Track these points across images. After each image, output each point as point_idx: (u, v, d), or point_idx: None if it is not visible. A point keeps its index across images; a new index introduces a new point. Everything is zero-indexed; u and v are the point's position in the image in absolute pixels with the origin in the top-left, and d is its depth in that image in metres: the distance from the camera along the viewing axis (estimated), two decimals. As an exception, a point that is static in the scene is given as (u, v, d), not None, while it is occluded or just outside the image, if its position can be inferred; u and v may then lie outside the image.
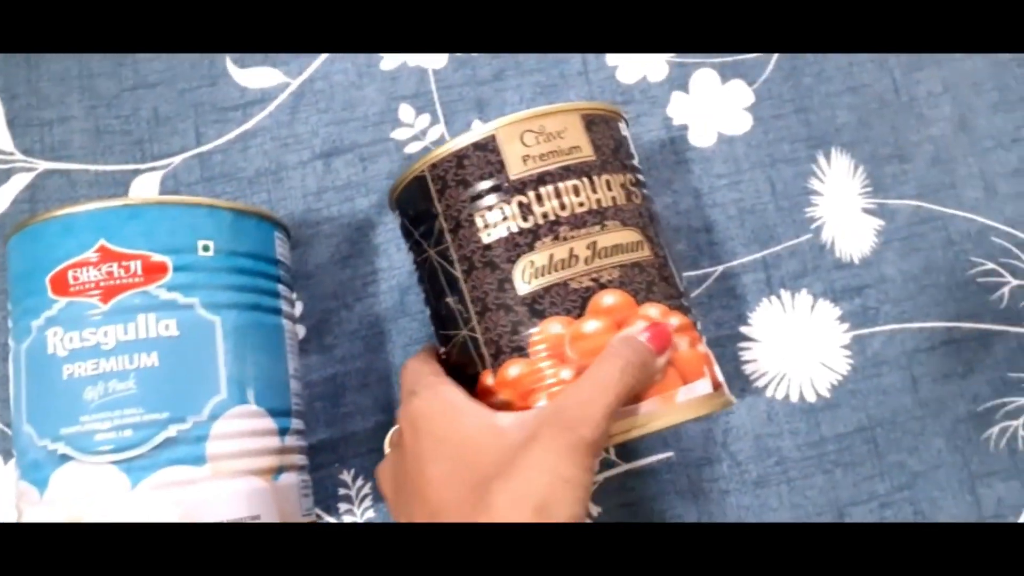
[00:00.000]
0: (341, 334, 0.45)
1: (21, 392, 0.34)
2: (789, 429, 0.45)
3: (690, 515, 0.44)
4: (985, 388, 0.47)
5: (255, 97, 0.47)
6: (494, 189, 0.35)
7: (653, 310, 0.35)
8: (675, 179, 0.48)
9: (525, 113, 0.36)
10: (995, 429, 0.46)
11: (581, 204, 0.35)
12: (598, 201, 0.36)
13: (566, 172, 0.36)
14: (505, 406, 0.34)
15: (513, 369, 0.34)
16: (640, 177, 0.39)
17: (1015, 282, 0.48)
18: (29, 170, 0.46)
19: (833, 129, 0.49)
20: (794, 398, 0.46)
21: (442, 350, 0.38)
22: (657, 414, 0.33)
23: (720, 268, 0.47)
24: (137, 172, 0.46)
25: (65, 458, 0.32)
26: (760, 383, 0.46)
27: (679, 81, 0.50)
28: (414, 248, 0.39)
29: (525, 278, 0.35)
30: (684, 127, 0.49)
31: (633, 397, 0.32)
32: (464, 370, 0.36)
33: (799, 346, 0.47)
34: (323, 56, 0.48)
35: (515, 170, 0.35)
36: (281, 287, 0.39)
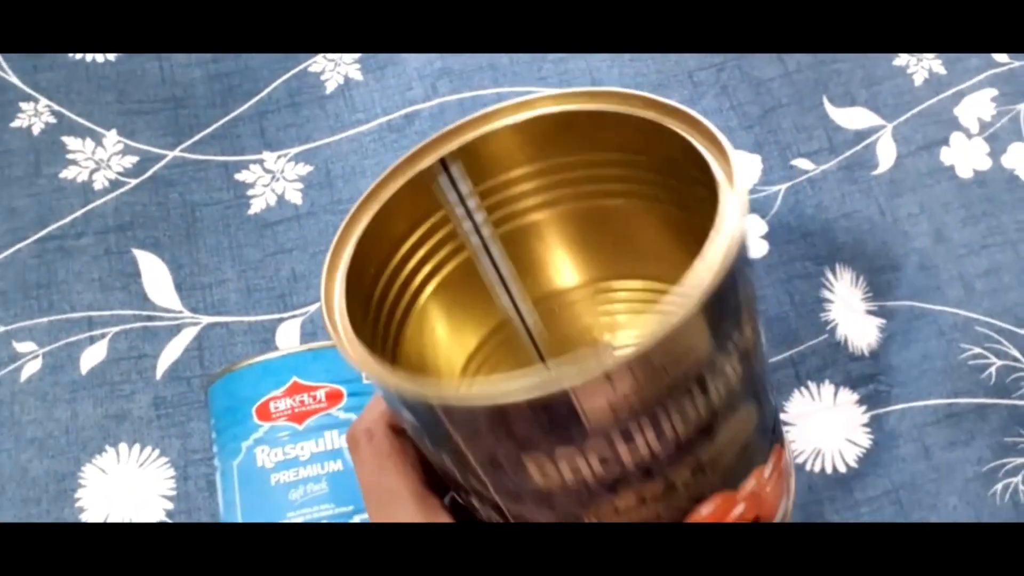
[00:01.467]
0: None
1: (234, 498, 0.44)
2: (828, 497, 0.55)
3: None
4: (986, 452, 0.56)
5: (371, 255, 0.59)
6: (562, 441, 0.24)
7: (752, 482, 0.29)
8: (711, 297, 0.59)
9: (622, 358, 0.22)
10: (999, 486, 0.55)
11: (685, 423, 0.25)
12: (709, 406, 0.25)
13: (670, 395, 0.24)
14: None
15: None
16: (753, 293, 0.28)
17: (1000, 362, 0.58)
18: (195, 324, 0.57)
19: (835, 248, 0.61)
20: (828, 471, 0.55)
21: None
22: None
23: (756, 367, 0.58)
24: (281, 320, 0.58)
25: (278, 546, 0.42)
26: (799, 460, 0.56)
27: (706, 218, 0.61)
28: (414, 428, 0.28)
29: (602, 518, 0.27)
30: (714, 254, 0.61)
31: None
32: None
33: (828, 427, 0.56)
34: (422, 218, 0.60)
35: (598, 421, 0.24)
36: (417, 405, 0.49)
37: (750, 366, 0.27)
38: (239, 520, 0.44)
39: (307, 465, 0.43)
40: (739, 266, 0.25)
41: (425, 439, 0.28)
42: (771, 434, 0.31)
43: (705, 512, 0.28)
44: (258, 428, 0.44)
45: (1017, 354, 0.58)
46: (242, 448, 0.44)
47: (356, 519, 0.43)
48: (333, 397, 0.45)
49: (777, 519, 0.31)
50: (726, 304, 0.25)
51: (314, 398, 0.44)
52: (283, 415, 0.44)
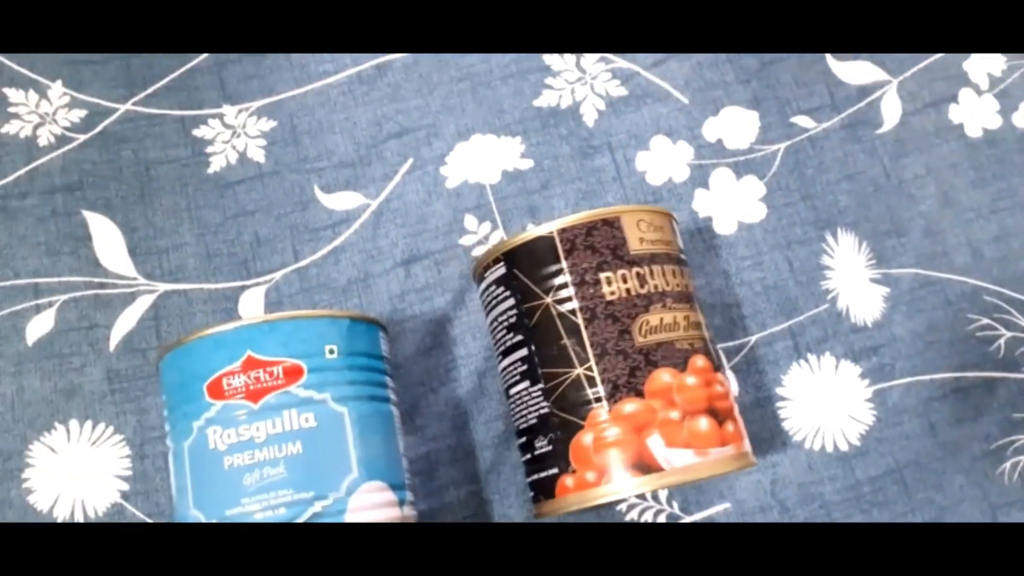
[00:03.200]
0: (430, 416, 0.51)
1: (186, 482, 0.40)
2: (828, 476, 0.52)
3: (747, 559, 0.50)
4: (994, 428, 0.53)
5: (341, 218, 0.55)
6: (618, 258, 0.44)
7: (721, 375, 0.45)
8: (706, 263, 0.56)
9: (638, 206, 0.46)
10: (1007, 464, 0.52)
11: (677, 285, 0.45)
12: (685, 286, 0.45)
13: (667, 258, 0.45)
14: (617, 435, 0.41)
15: (628, 406, 0.42)
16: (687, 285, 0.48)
17: (1009, 334, 0.55)
18: (151, 292, 0.53)
19: (836, 212, 0.57)
20: (829, 448, 0.52)
21: (539, 385, 0.44)
22: (695, 468, 0.41)
23: (753, 338, 0.54)
24: (244, 288, 0.53)
25: (232, 535, 0.39)
26: (798, 437, 0.52)
27: (700, 180, 0.57)
28: (523, 296, 0.45)
29: (642, 333, 0.43)
30: (709, 218, 0.57)
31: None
32: (572, 401, 0.43)
33: (829, 402, 0.53)
34: (396, 179, 0.56)
35: (634, 247, 0.44)
36: (388, 379, 0.45)
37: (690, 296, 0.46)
38: (190, 506, 0.40)
39: (263, 447, 0.39)
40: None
41: (537, 287, 0.45)
42: (715, 356, 0.46)
43: (700, 364, 0.44)
44: (210, 407, 0.40)
45: (1029, 325, 0.55)
46: (193, 428, 0.41)
47: (317, 506, 0.39)
48: (291, 373, 0.41)
49: (697, 416, 0.43)
50: (677, 235, 0.48)
51: (271, 374, 0.40)
52: (237, 392, 0.40)
